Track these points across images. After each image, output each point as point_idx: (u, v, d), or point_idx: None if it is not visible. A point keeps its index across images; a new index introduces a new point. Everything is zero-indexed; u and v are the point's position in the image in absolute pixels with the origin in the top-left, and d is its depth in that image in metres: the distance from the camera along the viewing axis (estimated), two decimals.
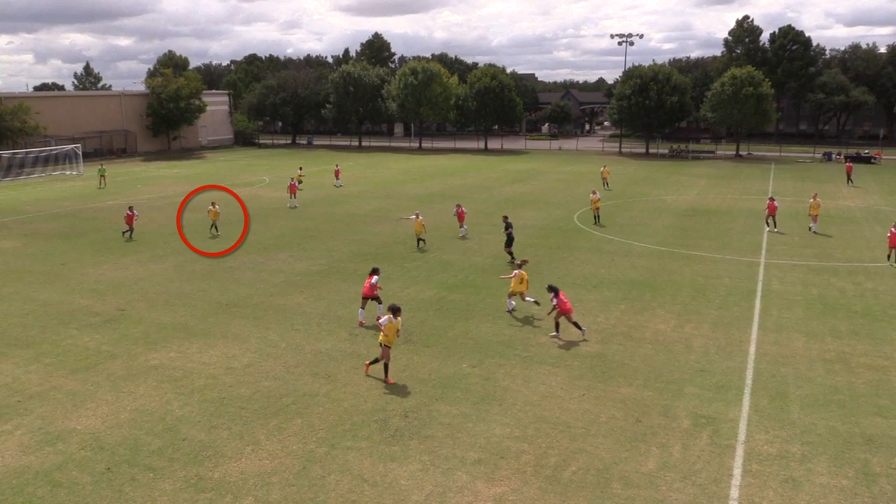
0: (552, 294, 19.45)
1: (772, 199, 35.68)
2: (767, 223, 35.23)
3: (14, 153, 65.00)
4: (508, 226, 28.91)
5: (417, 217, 31.42)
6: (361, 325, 20.74)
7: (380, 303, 20.65)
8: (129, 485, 12.43)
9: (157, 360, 18.30)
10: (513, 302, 22.10)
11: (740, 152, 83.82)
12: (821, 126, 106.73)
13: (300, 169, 57.75)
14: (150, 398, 15.95)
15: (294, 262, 28.94)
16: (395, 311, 16.70)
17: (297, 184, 46.01)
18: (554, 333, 19.66)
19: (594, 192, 39.31)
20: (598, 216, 37.87)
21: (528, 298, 21.68)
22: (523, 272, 21.67)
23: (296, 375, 17.18)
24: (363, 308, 20.83)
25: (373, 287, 20.48)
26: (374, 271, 20.96)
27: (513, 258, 27.71)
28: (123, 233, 34.28)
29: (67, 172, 66.04)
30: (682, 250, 30.67)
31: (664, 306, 22.52)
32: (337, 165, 58.01)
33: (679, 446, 13.60)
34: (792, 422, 14.57)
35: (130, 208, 34.92)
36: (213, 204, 35.06)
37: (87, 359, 18.41)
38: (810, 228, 34.81)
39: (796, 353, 18.36)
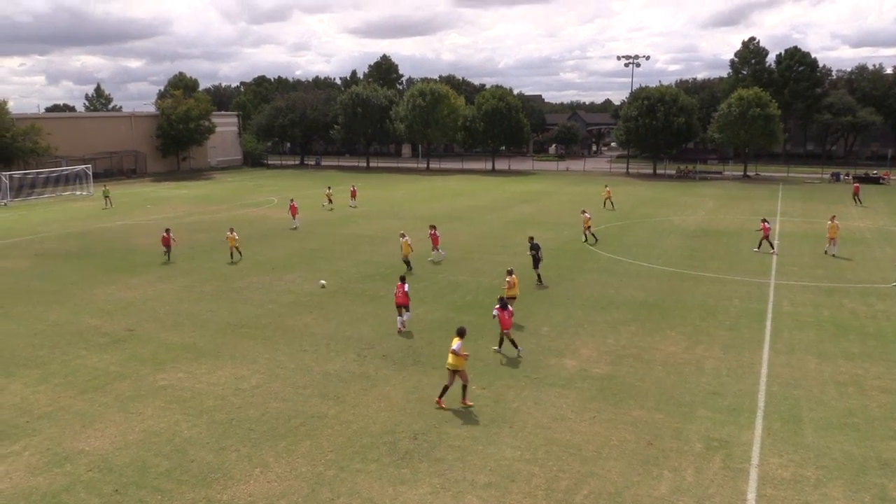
0: (497, 305, 19.58)
1: (765, 221, 35.70)
2: (762, 245, 34.92)
3: (25, 174, 65.47)
4: (534, 247, 28.49)
5: (404, 238, 31.10)
6: (401, 331, 22.06)
7: (407, 310, 22.22)
8: None
9: (166, 380, 18.27)
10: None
11: (748, 173, 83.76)
12: (828, 147, 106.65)
13: (329, 188, 57.74)
14: (159, 419, 15.90)
15: (302, 283, 28.94)
16: (463, 333, 16.49)
17: (296, 206, 45.43)
18: (496, 348, 20.12)
19: (584, 212, 39.32)
20: (592, 234, 37.93)
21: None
22: (514, 278, 23.15)
23: (304, 397, 17.11)
24: (400, 315, 22.15)
25: (406, 295, 21.91)
26: (403, 279, 22.31)
27: (540, 280, 28.09)
28: (165, 253, 33.82)
29: (78, 193, 66.50)
30: (691, 271, 30.55)
31: (674, 328, 22.39)
32: (353, 186, 58.12)
33: (692, 470, 13.45)
34: (806, 445, 14.40)
35: (167, 231, 34.37)
36: (231, 230, 34.56)
37: (95, 379, 18.40)
38: (826, 252, 34.06)
39: (809, 376, 18.19)
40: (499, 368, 18.88)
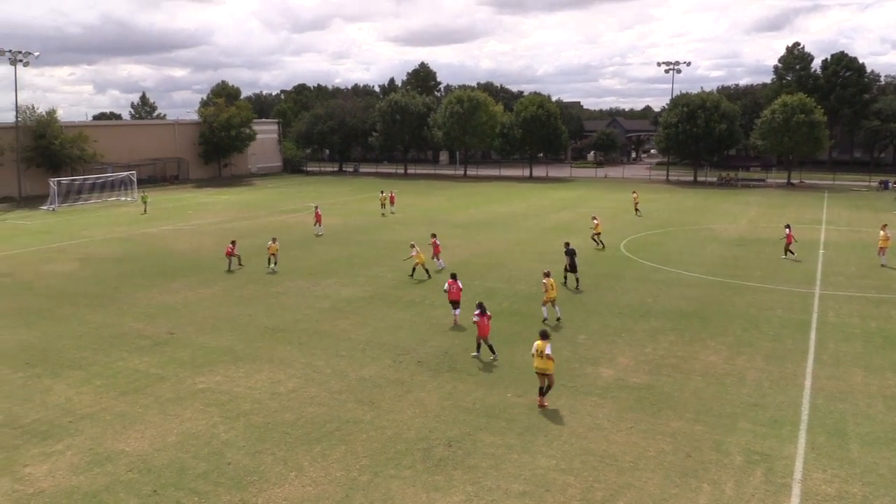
0: (477, 311, 19.58)
1: (788, 228, 35.56)
2: (788, 252, 34.83)
3: (73, 180, 67.20)
4: (569, 252, 28.78)
5: (413, 248, 30.89)
6: (456, 323, 23.43)
7: (458, 306, 23.44)
8: None
9: (204, 383, 18.51)
10: (545, 310, 23.54)
11: (792, 180, 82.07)
12: (876, 154, 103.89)
13: (382, 192, 57.89)
14: (197, 421, 16.11)
15: (339, 288, 29.12)
16: (547, 336, 16.72)
17: (320, 213, 45.73)
18: (475, 353, 20.20)
19: (594, 218, 39.84)
20: (600, 241, 38.21)
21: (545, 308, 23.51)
22: (552, 280, 23.28)
23: (340, 402, 17.18)
24: (455, 310, 23.47)
25: (459, 291, 23.26)
26: (455, 277, 23.61)
27: (577, 284, 28.69)
28: (238, 263, 33.87)
29: (122, 199, 68.04)
30: (732, 280, 29.98)
31: (714, 337, 21.96)
32: (393, 192, 58.52)
33: (732, 483, 13.14)
34: (852, 460, 13.96)
35: (232, 242, 34.33)
36: (273, 240, 34.59)
37: (136, 381, 18.73)
38: (883, 265, 32.69)
39: (855, 389, 17.67)
40: (534, 377, 18.64)
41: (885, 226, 34.30)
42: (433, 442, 14.93)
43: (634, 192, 57.40)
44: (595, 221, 39.12)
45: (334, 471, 13.75)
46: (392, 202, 56.22)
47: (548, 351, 16.18)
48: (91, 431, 15.67)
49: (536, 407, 16.65)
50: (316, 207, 47.05)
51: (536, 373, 16.63)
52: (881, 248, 33.11)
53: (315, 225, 44.85)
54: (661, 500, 12.60)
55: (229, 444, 14.93)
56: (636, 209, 52.64)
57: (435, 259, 32.49)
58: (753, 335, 22.18)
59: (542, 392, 16.69)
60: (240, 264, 33.80)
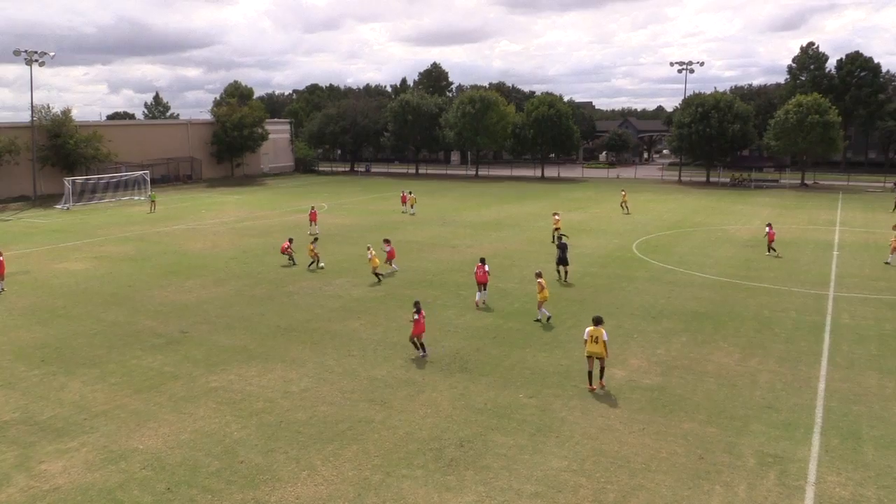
0: (415, 310, 20.07)
1: (770, 226, 36.75)
2: (771, 249, 36.07)
3: (87, 179, 67.68)
4: (561, 246, 30.26)
5: (369, 250, 30.86)
6: (478, 305, 25.60)
7: (485, 288, 25.76)
8: None
9: (217, 382, 18.62)
10: (543, 311, 23.92)
11: (805, 181, 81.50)
12: (891, 154, 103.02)
13: (410, 192, 58.17)
14: (210, 420, 16.21)
15: (351, 288, 29.20)
16: (598, 322, 17.77)
17: (316, 212, 46.32)
18: (422, 353, 20.42)
19: (556, 214, 42.13)
20: (558, 237, 38.01)
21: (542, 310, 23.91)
22: (542, 280, 23.72)
23: (352, 401, 17.24)
24: (480, 291, 25.79)
25: (486, 273, 25.61)
26: (483, 261, 25.96)
27: (564, 277, 29.83)
28: (289, 259, 34.43)
29: (136, 198, 68.45)
30: (745, 282, 29.82)
31: (727, 339, 21.87)
32: (410, 192, 58.92)
33: (744, 486, 13.08)
34: (866, 464, 13.87)
35: (289, 240, 34.98)
36: (314, 240, 35.73)
37: (150, 379, 18.87)
38: (889, 262, 33.36)
39: (869, 391, 17.55)
40: (546, 378, 18.71)
41: None
42: (445, 442, 14.95)
43: (623, 190, 59.85)
44: (556, 217, 40.97)
45: (346, 470, 13.80)
46: (408, 202, 56.61)
47: (604, 337, 17.27)
48: (105, 429, 15.79)
49: (548, 408, 16.64)
50: (312, 207, 47.76)
51: (587, 357, 17.63)
52: (894, 248, 33.58)
53: (310, 224, 45.25)
54: (673, 502, 12.57)
55: (242, 443, 15.02)
56: (623, 206, 54.51)
57: (388, 263, 32.18)
58: (766, 337, 22.07)
59: (592, 377, 17.72)
60: (292, 261, 34.24)
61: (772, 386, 17.96)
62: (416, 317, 19.96)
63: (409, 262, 34.58)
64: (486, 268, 25.77)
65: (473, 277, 26.68)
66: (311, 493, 12.99)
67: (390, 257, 32.43)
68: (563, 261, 29.88)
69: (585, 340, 17.54)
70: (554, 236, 38.95)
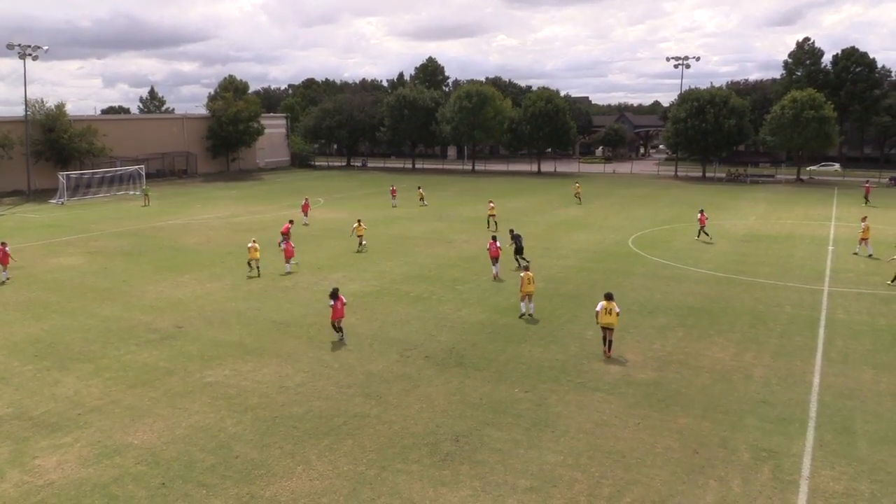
0: (331, 297, 21.01)
1: (702, 213, 39.42)
2: (703, 233, 38.48)
3: (81, 174, 67.39)
4: (515, 238, 31.49)
5: (253, 242, 31.09)
6: (495, 277, 28.89)
7: (497, 261, 28.99)
8: (183, 500, 12.59)
9: (213, 377, 18.59)
10: (524, 305, 23.99)
11: (801, 176, 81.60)
12: (887, 150, 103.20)
13: (420, 188, 60.32)
14: (205, 415, 16.18)
15: (347, 283, 29.15)
16: (610, 297, 19.56)
17: (309, 203, 48.29)
18: (340, 337, 21.49)
19: (490, 202, 45.57)
20: (494, 222, 42.74)
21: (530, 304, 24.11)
22: (530, 273, 23.74)
23: (347, 396, 17.23)
24: (494, 265, 29.14)
25: (498, 249, 28.88)
26: (495, 238, 29.54)
27: (518, 264, 30.23)
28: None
29: (131, 192, 68.18)
30: (740, 277, 29.88)
31: (722, 334, 21.91)
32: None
33: (739, 480, 13.12)
34: (860, 458, 13.92)
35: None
36: (358, 222, 37.66)
37: (145, 374, 18.83)
38: (856, 252, 34.77)
39: (864, 386, 17.60)
40: (542, 372, 18.73)
41: (864, 217, 36.68)
42: (440, 437, 14.96)
43: (577, 182, 64.49)
44: (491, 205, 44.60)
45: (342, 465, 13.80)
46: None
47: (617, 309, 19.32)
48: (100, 424, 15.76)
49: (543, 402, 16.66)
50: (305, 199, 50.07)
51: (602, 327, 19.56)
52: (862, 238, 34.81)
53: (304, 215, 47.16)
54: (668, 496, 12.60)
55: (237, 438, 15.00)
56: (576, 197, 58.24)
57: (288, 263, 31.46)
58: (761, 332, 22.12)
59: (608, 344, 19.63)
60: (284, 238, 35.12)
61: (766, 381, 18.00)
62: (332, 303, 20.89)
63: (405, 257, 34.56)
64: (498, 244, 29.28)
65: (473, 267, 27.23)
66: (307, 487, 12.99)
67: (287, 256, 31.48)
68: (520, 251, 31.34)
69: (598, 312, 19.35)
70: (489, 222, 43.09)
